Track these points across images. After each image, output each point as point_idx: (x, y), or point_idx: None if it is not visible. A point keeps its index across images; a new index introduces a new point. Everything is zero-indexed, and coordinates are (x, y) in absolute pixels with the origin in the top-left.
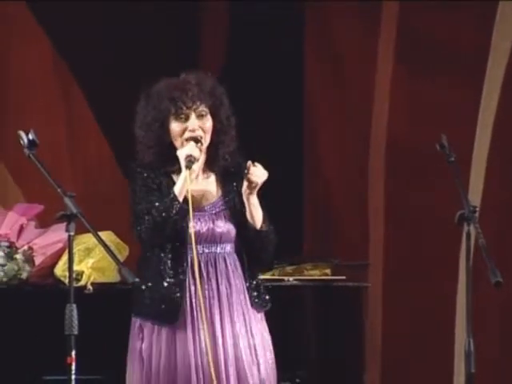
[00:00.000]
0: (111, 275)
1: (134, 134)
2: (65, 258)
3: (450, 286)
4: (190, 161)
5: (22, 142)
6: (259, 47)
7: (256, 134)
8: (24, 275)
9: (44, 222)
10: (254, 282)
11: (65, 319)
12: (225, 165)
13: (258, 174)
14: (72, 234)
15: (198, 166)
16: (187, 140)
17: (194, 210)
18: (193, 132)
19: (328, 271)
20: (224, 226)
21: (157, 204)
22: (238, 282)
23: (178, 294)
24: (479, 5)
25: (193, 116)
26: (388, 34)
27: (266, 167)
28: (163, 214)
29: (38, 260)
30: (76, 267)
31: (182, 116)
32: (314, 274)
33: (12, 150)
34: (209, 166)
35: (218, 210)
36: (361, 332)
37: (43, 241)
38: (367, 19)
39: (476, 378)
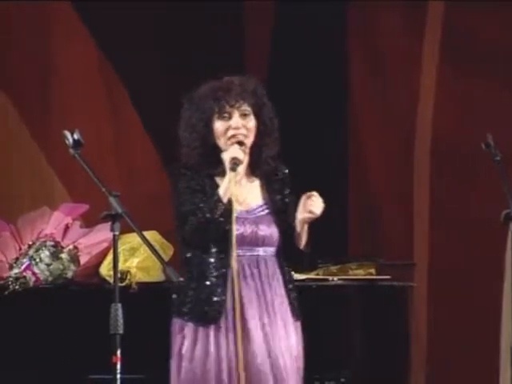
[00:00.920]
0: (156, 274)
1: (179, 137)
2: (110, 257)
3: (495, 285)
4: (235, 163)
5: (67, 141)
6: (303, 47)
7: (300, 134)
8: (69, 274)
9: (89, 222)
10: (292, 287)
11: (110, 318)
12: (268, 169)
13: (318, 205)
14: (117, 233)
15: (242, 169)
16: (230, 139)
17: (237, 213)
18: (236, 130)
19: (373, 271)
20: (267, 230)
21: (201, 205)
22: (278, 285)
23: (221, 296)
24: None
25: (236, 114)
26: (433, 34)
27: (311, 167)
28: (207, 216)
29: (83, 259)
30: (121, 267)
31: (226, 115)
32: (359, 273)
33: (57, 149)
34: (252, 169)
35: (261, 213)
36: (406, 331)
37: (88, 240)
38: (412, 19)
39: None
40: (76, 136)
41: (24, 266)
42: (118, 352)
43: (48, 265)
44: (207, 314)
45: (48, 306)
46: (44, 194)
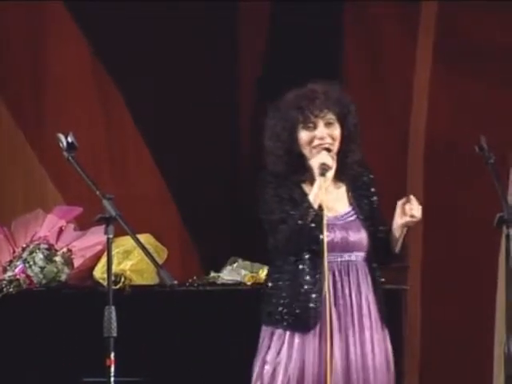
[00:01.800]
0: (150, 277)
1: (264, 145)
2: (104, 260)
3: (489, 287)
4: (324, 169)
5: (61, 144)
6: (298, 47)
7: None
8: (63, 277)
9: (83, 225)
10: (381, 293)
11: (104, 321)
12: (354, 174)
13: (418, 208)
14: (111, 236)
15: (331, 174)
16: (315, 148)
17: (327, 219)
18: (321, 140)
19: None
20: (356, 235)
21: (292, 212)
22: (368, 290)
23: (316, 303)
24: None
25: (321, 124)
26: (427, 35)
27: None
28: (299, 222)
29: (76, 262)
30: (115, 269)
31: (311, 125)
32: None
33: (51, 152)
34: (339, 175)
35: (350, 218)
36: (400, 334)
37: (82, 243)
38: (406, 19)
39: None
40: (70, 139)
41: (18, 269)
42: (112, 355)
43: (42, 268)
44: (303, 320)
45: (42, 308)
46: (37, 197)
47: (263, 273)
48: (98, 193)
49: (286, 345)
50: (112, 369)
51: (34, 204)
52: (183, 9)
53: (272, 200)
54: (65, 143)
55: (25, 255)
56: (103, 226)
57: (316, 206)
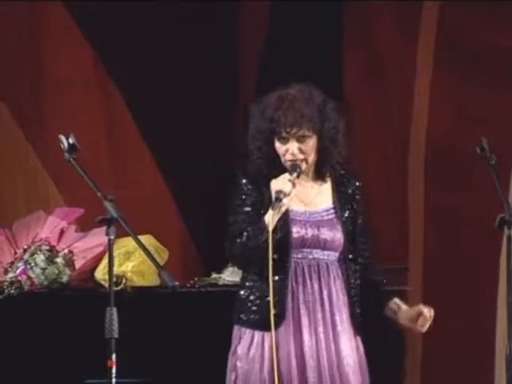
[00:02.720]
0: (151, 279)
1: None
2: (105, 261)
3: (490, 289)
4: (278, 197)
5: (62, 146)
6: (298, 47)
7: None
8: (64, 279)
9: (84, 226)
10: (356, 299)
11: (105, 322)
12: (337, 175)
13: (427, 325)
14: (112, 237)
15: (288, 200)
16: (286, 162)
17: (298, 215)
18: (292, 156)
19: None
20: (329, 234)
21: (249, 229)
22: (339, 291)
23: (281, 301)
24: None
25: (293, 140)
26: (427, 36)
27: None
28: (252, 241)
29: (78, 264)
30: (116, 271)
31: (283, 139)
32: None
33: (52, 153)
34: (319, 174)
35: (328, 217)
36: (400, 335)
37: (83, 244)
38: (407, 20)
39: None
40: (71, 140)
41: (19, 271)
42: (113, 356)
43: (43, 269)
44: (268, 320)
45: (43, 310)
46: (39, 198)
47: None
48: (99, 194)
49: (255, 344)
50: (113, 370)
51: (36, 205)
52: (183, 9)
53: (239, 205)
54: (66, 145)
55: (26, 257)
56: (104, 228)
57: (271, 229)
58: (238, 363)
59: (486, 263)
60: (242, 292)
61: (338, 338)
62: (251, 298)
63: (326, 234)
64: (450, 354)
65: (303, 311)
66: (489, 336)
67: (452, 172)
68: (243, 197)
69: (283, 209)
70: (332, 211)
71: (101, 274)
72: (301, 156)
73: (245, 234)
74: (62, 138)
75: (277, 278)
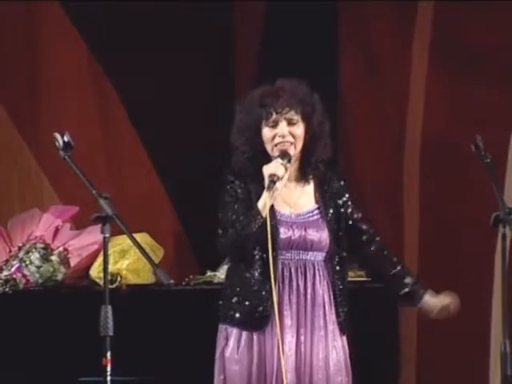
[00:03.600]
0: (146, 276)
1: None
2: (100, 259)
3: (485, 287)
4: (272, 181)
5: (57, 144)
6: (293, 47)
7: None
8: (59, 277)
9: (79, 224)
10: (342, 299)
11: (100, 320)
12: (320, 175)
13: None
14: (107, 235)
15: (281, 185)
16: (276, 145)
17: (285, 217)
18: (283, 138)
19: (362, 273)
20: (316, 234)
21: (241, 218)
22: (325, 292)
23: (267, 301)
24: None
25: (283, 122)
26: (422, 35)
27: None
28: (245, 229)
29: (73, 261)
30: (111, 269)
31: (273, 122)
32: (348, 275)
33: (47, 151)
34: (304, 173)
35: (313, 218)
36: (396, 333)
37: (78, 242)
38: (402, 20)
39: None
40: (66, 138)
41: (14, 268)
42: (108, 354)
43: (38, 267)
44: (254, 318)
45: (38, 308)
46: (34, 196)
47: None
48: (94, 192)
49: (242, 344)
50: (108, 368)
51: (31, 203)
52: (180, 9)
53: (227, 201)
54: (61, 142)
55: (21, 254)
56: (99, 226)
57: (264, 214)
58: (227, 364)
59: (481, 261)
60: (227, 290)
61: (319, 339)
62: (235, 293)
63: (313, 234)
64: (445, 350)
65: (286, 312)
66: (485, 333)
67: (447, 170)
68: (231, 193)
69: (276, 193)
70: (317, 211)
71: (96, 271)
72: (290, 138)
73: (237, 223)
74: (57, 135)
75: (262, 277)
